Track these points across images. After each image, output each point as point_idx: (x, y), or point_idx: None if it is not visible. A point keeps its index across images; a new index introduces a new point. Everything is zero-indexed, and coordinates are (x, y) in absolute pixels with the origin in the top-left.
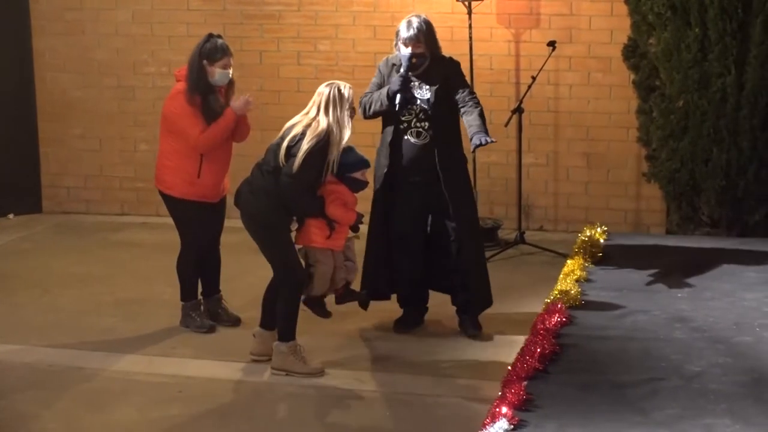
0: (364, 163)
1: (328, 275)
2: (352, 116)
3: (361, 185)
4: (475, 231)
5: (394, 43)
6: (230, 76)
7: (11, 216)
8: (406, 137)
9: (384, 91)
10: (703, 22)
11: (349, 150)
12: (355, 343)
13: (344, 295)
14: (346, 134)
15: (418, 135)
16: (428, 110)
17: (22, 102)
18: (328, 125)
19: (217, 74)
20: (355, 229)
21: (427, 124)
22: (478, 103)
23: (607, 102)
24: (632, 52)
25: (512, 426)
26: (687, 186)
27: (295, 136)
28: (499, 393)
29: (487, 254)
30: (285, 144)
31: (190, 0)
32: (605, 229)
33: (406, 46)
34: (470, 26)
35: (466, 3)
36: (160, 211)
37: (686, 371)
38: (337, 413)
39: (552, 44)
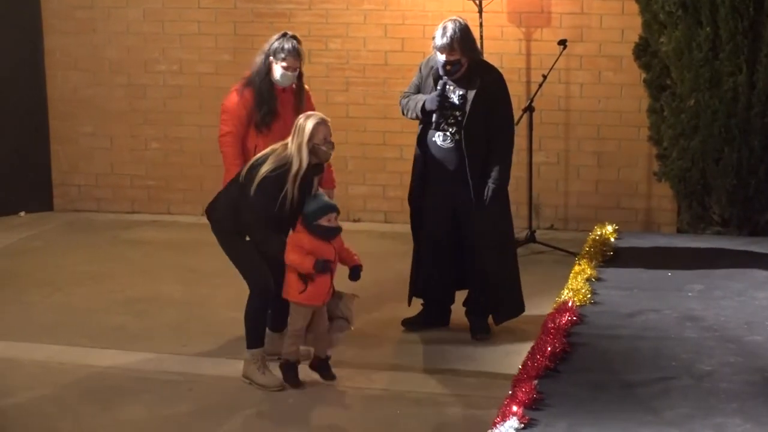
0: (326, 209)
1: (297, 337)
2: (326, 149)
3: (331, 231)
4: (502, 238)
5: (432, 45)
6: (292, 79)
7: (22, 214)
8: (433, 139)
9: (420, 102)
10: (714, 21)
11: (314, 197)
12: (364, 341)
13: (317, 367)
14: (300, 164)
15: (444, 138)
16: (458, 116)
17: (33, 100)
18: (290, 153)
19: (277, 72)
20: (353, 277)
21: (454, 128)
22: (503, 144)
23: (617, 101)
24: (643, 51)
25: (523, 425)
26: (698, 185)
27: (263, 156)
28: (510, 392)
29: None
30: (251, 161)
31: None
32: (616, 228)
33: (441, 53)
34: (481, 24)
35: (477, 1)
36: (171, 209)
37: (697, 370)
38: (346, 411)
39: (563, 43)
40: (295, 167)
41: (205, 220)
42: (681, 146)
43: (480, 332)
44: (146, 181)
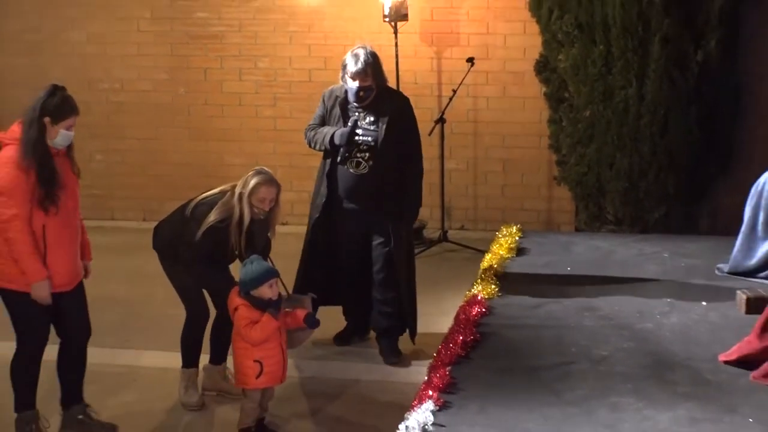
0: (266, 275)
1: (252, 409)
2: (257, 211)
3: (274, 303)
4: (408, 261)
5: (341, 75)
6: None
7: None
8: (345, 167)
9: (328, 135)
10: (607, 40)
11: (249, 263)
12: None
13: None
14: (242, 216)
15: (357, 165)
16: (371, 143)
17: None
18: (235, 202)
19: (60, 135)
20: (311, 324)
21: (367, 155)
22: (414, 171)
23: (521, 113)
24: (543, 67)
25: (438, 407)
26: (593, 188)
27: (212, 196)
28: (426, 378)
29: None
30: (199, 198)
31: (141, 22)
32: (520, 227)
33: (354, 79)
34: (396, 44)
35: (392, 24)
36: (115, 215)
37: (594, 355)
38: (274, 401)
39: (471, 60)
40: (236, 217)
41: (146, 224)
42: (578, 153)
43: (392, 356)
44: (91, 190)
